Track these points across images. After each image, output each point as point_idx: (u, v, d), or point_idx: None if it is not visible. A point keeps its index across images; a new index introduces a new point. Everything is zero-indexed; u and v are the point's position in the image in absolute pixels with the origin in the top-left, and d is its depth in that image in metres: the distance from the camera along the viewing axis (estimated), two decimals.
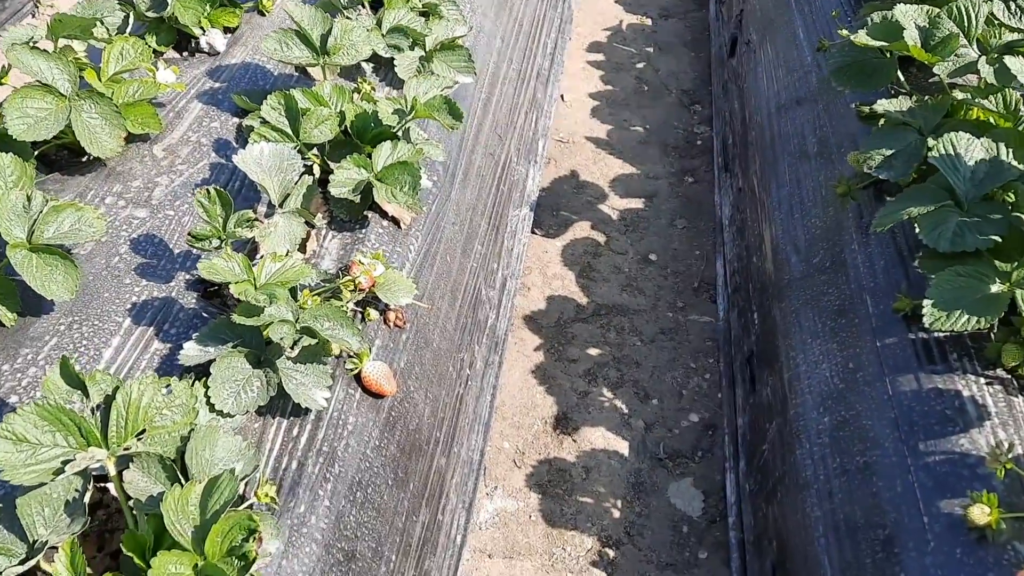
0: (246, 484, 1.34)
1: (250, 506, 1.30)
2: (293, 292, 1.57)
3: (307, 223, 1.78)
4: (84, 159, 1.86)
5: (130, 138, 1.91)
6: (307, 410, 1.50)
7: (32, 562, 1.16)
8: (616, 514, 1.97)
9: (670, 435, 2.15)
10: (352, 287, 1.65)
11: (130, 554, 1.13)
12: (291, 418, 1.50)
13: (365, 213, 1.90)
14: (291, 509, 1.37)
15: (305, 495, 1.40)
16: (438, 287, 1.97)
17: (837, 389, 1.75)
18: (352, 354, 1.61)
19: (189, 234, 1.56)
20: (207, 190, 1.57)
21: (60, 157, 1.88)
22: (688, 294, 2.52)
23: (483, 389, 2.17)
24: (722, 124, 3.02)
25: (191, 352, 1.46)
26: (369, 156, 1.83)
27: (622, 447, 2.11)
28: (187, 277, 1.68)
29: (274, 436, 1.46)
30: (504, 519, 1.96)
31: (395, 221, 1.93)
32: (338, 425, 1.53)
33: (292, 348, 1.43)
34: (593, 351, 2.32)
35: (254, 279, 1.49)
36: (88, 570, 1.16)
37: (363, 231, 1.87)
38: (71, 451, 1.20)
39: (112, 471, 1.22)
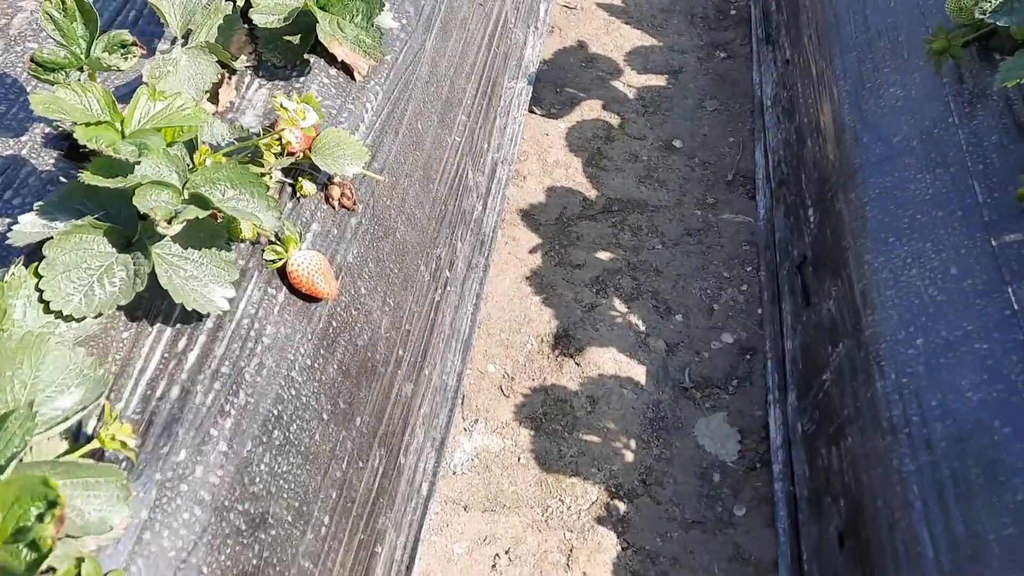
0: (87, 421, 0.90)
1: (95, 455, 0.86)
2: (190, 149, 1.11)
3: (222, 64, 1.30)
4: None
5: None
6: (199, 316, 1.05)
7: None
8: (629, 457, 1.55)
9: (698, 359, 1.71)
10: (277, 147, 1.19)
11: None
12: (178, 326, 1.05)
13: (306, 58, 1.41)
14: (164, 457, 0.93)
15: (188, 436, 0.96)
16: (405, 161, 1.50)
17: (935, 302, 1.30)
18: (274, 240, 1.15)
19: (32, 59, 1.08)
20: None
21: None
22: (720, 188, 2.05)
23: (463, 297, 1.72)
24: None
25: (28, 227, 1.00)
26: None
27: (638, 373, 1.67)
28: (47, 131, 1.21)
29: (149, 352, 1.01)
30: (486, 461, 1.54)
31: (347, 70, 1.45)
32: (247, 338, 1.08)
33: (170, 223, 0.97)
34: (603, 255, 1.87)
35: (120, 123, 1.02)
36: None
37: (301, 80, 1.38)
38: None
39: None
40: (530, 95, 2.16)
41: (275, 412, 1.08)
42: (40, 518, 0.64)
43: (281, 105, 1.10)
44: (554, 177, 2.05)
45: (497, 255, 1.85)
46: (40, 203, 1.02)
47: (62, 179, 1.14)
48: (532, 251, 1.88)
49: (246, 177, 1.04)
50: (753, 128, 2.16)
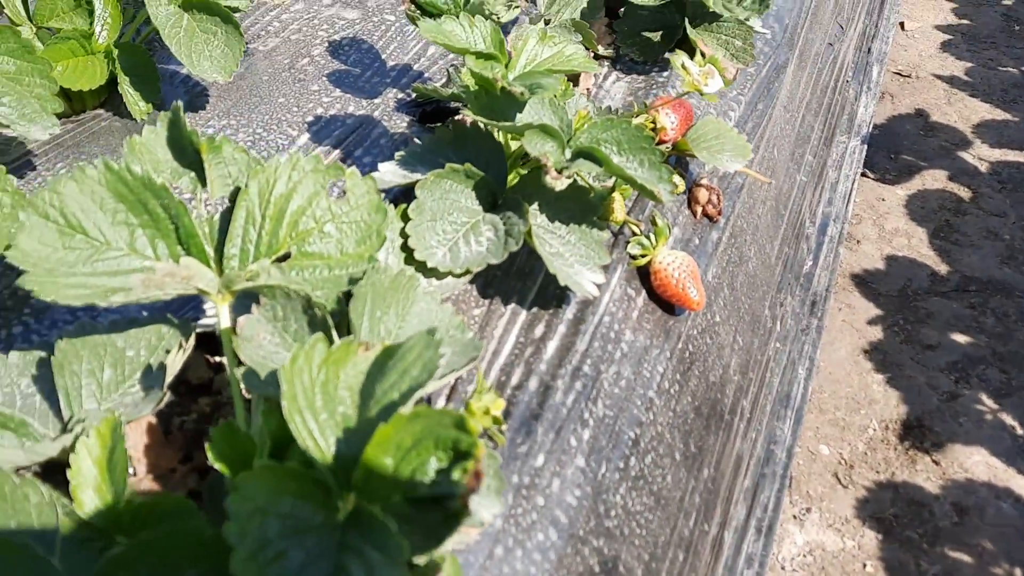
0: (450, 391, 0.73)
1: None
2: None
3: (583, 46, 1.16)
4: None
5: None
6: (559, 303, 0.86)
7: (56, 448, 0.59)
8: None
9: None
10: (651, 126, 1.01)
11: (217, 462, 0.52)
12: (533, 310, 0.86)
13: (665, 56, 1.25)
14: (522, 458, 0.73)
15: (548, 439, 0.76)
16: (760, 185, 1.28)
17: None
18: (637, 232, 0.96)
19: (411, 0, 0.98)
20: None
21: None
22: None
23: (794, 360, 1.45)
24: None
25: (388, 175, 0.86)
26: None
27: (1019, 485, 1.31)
28: (399, 96, 1.11)
29: (503, 334, 0.83)
30: (822, 561, 1.23)
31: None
32: (607, 339, 0.88)
33: (558, 176, 0.79)
34: (960, 338, 1.54)
35: (506, 64, 0.88)
36: (137, 476, 0.60)
37: (663, 76, 1.22)
38: (155, 262, 0.62)
39: (224, 314, 0.63)
40: (863, 156, 1.90)
41: (631, 435, 0.86)
42: (447, 470, 0.44)
43: (683, 65, 0.92)
44: (894, 246, 1.75)
45: (830, 321, 1.57)
46: (401, 152, 0.88)
47: (416, 141, 1.02)
48: (871, 323, 1.58)
49: (638, 140, 0.85)
50: None
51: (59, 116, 0.83)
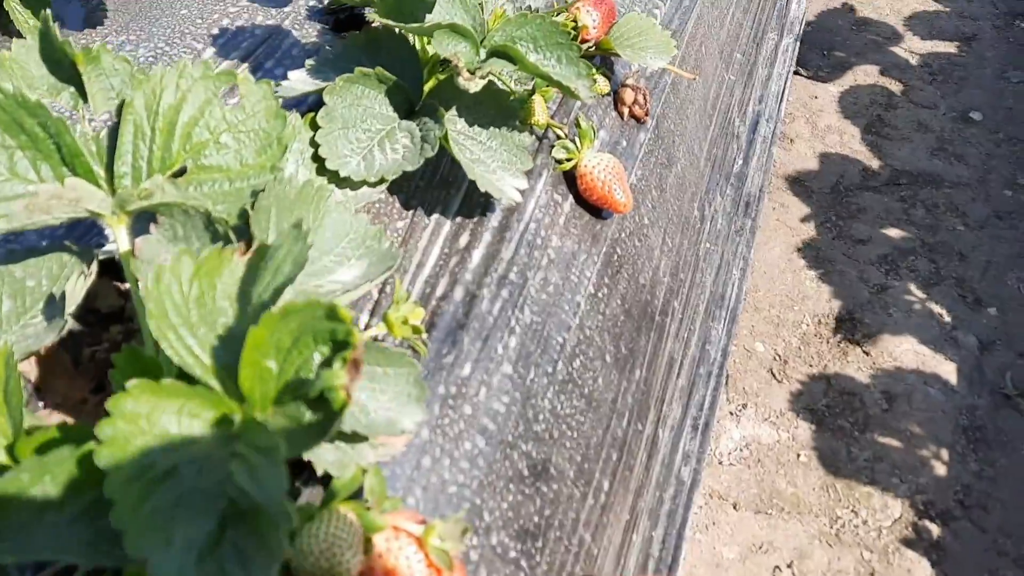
0: (374, 305, 0.71)
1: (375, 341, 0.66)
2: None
3: None
4: None
5: None
6: (484, 211, 0.85)
7: None
8: (940, 470, 1.23)
9: (1021, 362, 1.37)
10: (572, 25, 0.97)
11: (117, 381, 0.51)
12: (458, 220, 0.84)
13: None
14: (448, 368, 0.72)
15: (474, 348, 0.75)
16: (688, 84, 1.26)
17: None
18: (561, 135, 0.94)
19: None
20: None
21: None
22: None
23: (728, 260, 1.46)
24: None
25: (299, 84, 0.82)
26: None
27: (946, 371, 1.35)
28: (311, 4, 1.05)
29: (427, 245, 0.82)
30: (757, 454, 1.26)
31: None
32: (534, 245, 0.87)
33: (471, 77, 0.76)
34: (891, 232, 1.56)
35: None
36: (46, 409, 0.59)
37: None
38: (39, 185, 0.59)
39: (121, 236, 0.60)
40: (796, 54, 1.89)
41: (559, 340, 0.86)
42: (326, 363, 0.43)
43: None
44: (827, 143, 1.75)
45: (764, 221, 1.58)
46: (312, 60, 0.84)
47: (327, 48, 0.98)
48: (804, 220, 1.59)
49: (554, 36, 0.82)
50: None
51: None
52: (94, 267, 0.67)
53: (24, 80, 0.57)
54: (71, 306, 0.64)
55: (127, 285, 0.77)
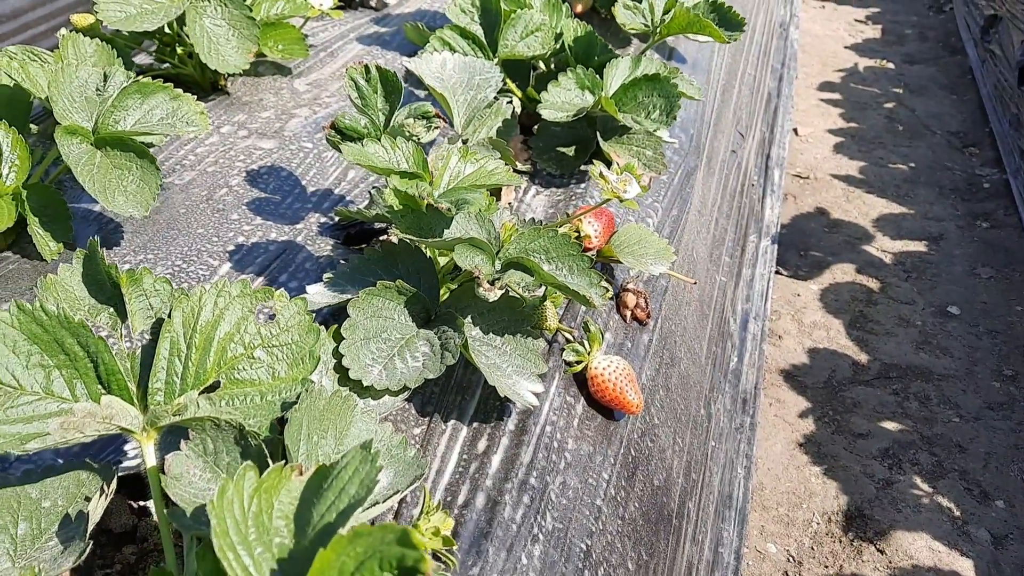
0: (394, 515, 0.69)
1: None
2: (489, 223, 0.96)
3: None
4: (200, 94, 1.37)
5: (263, 69, 1.42)
6: (500, 415, 0.85)
7: None
8: None
9: None
10: (576, 235, 1.02)
11: None
12: (475, 424, 0.84)
13: (581, 168, 1.29)
14: None
15: (499, 559, 0.72)
16: (683, 287, 1.31)
17: None
18: (570, 339, 0.96)
19: (332, 126, 0.99)
20: (364, 66, 1.01)
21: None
22: (1018, 360, 1.73)
23: (731, 459, 1.45)
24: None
25: (317, 297, 0.85)
26: (599, 73, 1.23)
27: (963, 567, 1.32)
28: (322, 220, 1.10)
29: (445, 451, 0.81)
30: None
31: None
32: (551, 448, 0.86)
33: (491, 288, 0.79)
34: (889, 425, 1.57)
35: (430, 182, 0.89)
36: None
37: (581, 187, 1.25)
38: (72, 403, 0.59)
39: (148, 452, 0.59)
40: (775, 255, 1.97)
41: (583, 547, 0.83)
42: None
43: (600, 174, 0.94)
44: (814, 338, 1.80)
45: (762, 417, 1.58)
46: (330, 274, 0.87)
47: (343, 262, 1.02)
48: (802, 415, 1.60)
49: (565, 248, 0.86)
50: None
51: None
52: (113, 484, 0.66)
53: (67, 302, 0.58)
54: (91, 526, 0.62)
55: (140, 503, 0.75)
